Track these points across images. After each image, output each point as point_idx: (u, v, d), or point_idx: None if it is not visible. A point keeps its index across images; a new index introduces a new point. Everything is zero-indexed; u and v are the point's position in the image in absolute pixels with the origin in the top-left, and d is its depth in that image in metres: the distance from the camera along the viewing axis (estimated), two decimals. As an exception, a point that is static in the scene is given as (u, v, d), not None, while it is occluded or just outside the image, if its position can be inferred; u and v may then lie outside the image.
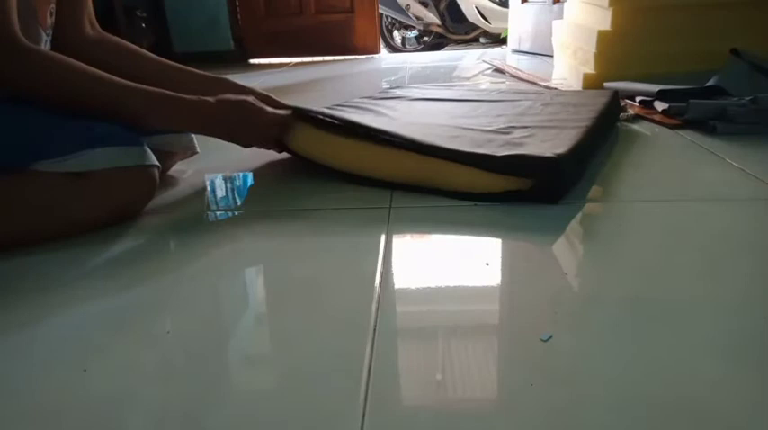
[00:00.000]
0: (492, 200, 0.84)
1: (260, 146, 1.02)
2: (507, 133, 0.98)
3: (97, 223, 0.80)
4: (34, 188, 0.75)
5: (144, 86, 0.84)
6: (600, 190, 0.92)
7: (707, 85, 1.27)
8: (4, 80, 0.75)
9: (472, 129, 1.00)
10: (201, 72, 1.07)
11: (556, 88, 1.67)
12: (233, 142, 0.95)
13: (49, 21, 0.89)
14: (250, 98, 0.95)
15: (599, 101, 1.19)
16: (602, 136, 1.10)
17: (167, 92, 0.85)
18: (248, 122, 0.93)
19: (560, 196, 0.84)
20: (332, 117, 0.97)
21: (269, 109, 0.96)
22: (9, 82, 0.76)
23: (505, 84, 1.89)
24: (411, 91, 1.49)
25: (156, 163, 0.83)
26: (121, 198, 0.81)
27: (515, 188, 0.83)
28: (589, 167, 0.98)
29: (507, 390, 0.46)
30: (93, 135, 0.77)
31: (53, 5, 0.90)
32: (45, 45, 0.87)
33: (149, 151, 0.82)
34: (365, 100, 1.35)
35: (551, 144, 0.88)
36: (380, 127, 0.93)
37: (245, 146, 0.98)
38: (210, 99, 0.89)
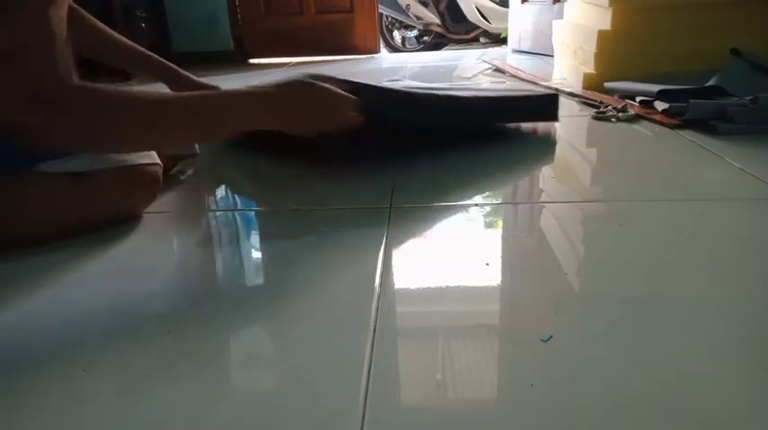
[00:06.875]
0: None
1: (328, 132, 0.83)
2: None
3: (100, 223, 0.79)
4: (37, 189, 0.75)
5: (205, 92, 0.75)
6: (599, 190, 0.92)
7: (707, 84, 1.27)
8: (62, 126, 0.62)
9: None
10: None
11: (556, 88, 1.67)
12: (301, 132, 0.80)
13: None
14: (320, 82, 0.81)
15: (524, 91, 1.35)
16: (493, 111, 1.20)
17: (233, 90, 0.75)
18: (325, 108, 0.81)
19: None
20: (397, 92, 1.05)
21: (338, 91, 0.81)
22: (65, 126, 0.62)
23: (505, 83, 1.89)
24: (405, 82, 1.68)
25: (159, 161, 0.82)
26: (125, 198, 0.81)
27: None
28: (588, 167, 0.98)
29: (507, 391, 0.46)
30: None
31: None
32: None
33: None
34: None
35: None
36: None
37: (313, 134, 0.81)
38: (272, 88, 0.76)
